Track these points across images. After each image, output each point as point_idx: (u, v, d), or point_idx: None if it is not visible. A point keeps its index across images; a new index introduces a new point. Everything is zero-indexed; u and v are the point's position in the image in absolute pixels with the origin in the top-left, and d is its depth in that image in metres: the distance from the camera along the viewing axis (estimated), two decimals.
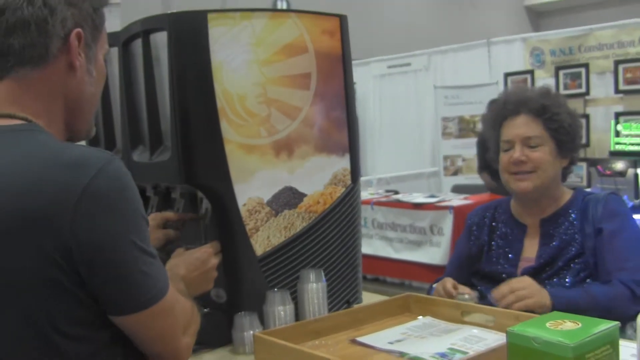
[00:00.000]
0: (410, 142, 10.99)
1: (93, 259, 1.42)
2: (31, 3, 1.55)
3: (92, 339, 1.48)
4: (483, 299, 2.60)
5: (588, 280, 2.55)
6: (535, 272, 2.60)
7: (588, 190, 2.90)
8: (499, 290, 2.38)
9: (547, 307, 2.33)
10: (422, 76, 10.89)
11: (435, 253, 7.26)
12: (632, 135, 7.38)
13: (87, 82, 1.64)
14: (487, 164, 2.93)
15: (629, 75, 8.63)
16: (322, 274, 2.36)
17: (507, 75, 9.69)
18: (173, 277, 1.74)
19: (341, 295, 2.57)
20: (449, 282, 2.55)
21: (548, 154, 2.63)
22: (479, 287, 2.72)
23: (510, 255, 2.71)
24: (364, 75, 11.50)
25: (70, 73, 1.60)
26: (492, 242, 2.79)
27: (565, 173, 2.76)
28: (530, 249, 2.69)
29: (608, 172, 6.50)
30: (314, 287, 2.29)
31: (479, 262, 2.79)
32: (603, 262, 2.53)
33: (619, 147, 7.33)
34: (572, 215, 2.66)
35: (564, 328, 1.53)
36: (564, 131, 2.65)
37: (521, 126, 2.65)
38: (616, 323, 1.55)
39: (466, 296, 2.49)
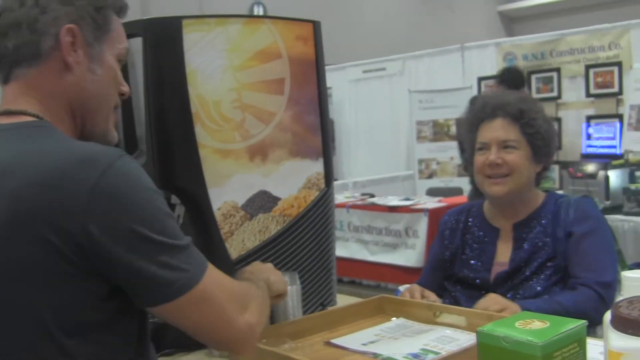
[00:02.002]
0: (385, 145, 11.01)
1: (108, 255, 1.42)
2: (23, 4, 1.56)
3: (99, 341, 1.48)
4: (457, 304, 2.59)
5: (559, 284, 2.56)
6: (508, 277, 2.60)
7: (560, 193, 2.91)
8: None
9: None
10: (397, 81, 10.92)
11: (411, 255, 7.27)
12: (602, 138, 7.44)
13: (89, 81, 1.62)
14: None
15: (599, 79, 8.71)
16: (297, 276, 2.36)
17: (480, 79, 9.74)
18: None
19: (316, 298, 2.57)
20: (417, 290, 2.54)
21: (523, 158, 2.63)
22: (452, 293, 2.72)
23: (483, 259, 2.70)
24: (339, 80, 11.51)
25: (66, 71, 1.59)
26: (465, 246, 2.78)
27: (538, 178, 2.76)
28: (503, 253, 2.69)
29: (579, 175, 6.53)
30: (289, 289, 2.30)
31: (452, 267, 2.78)
32: (573, 265, 2.55)
33: (590, 150, 7.39)
34: (544, 219, 2.66)
35: (533, 327, 1.53)
36: (540, 136, 2.65)
37: (498, 129, 2.65)
38: (583, 322, 1.56)
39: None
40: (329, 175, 2.57)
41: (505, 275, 2.60)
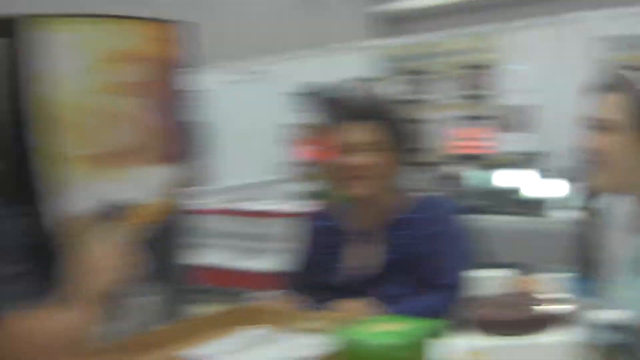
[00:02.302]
0: (259, 149, 11.03)
1: None
2: None
3: None
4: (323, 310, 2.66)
5: (422, 286, 2.66)
6: (372, 280, 2.70)
7: (425, 194, 3.03)
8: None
9: None
10: (273, 82, 10.98)
11: (277, 260, 7.33)
12: (472, 139, 7.71)
13: None
14: None
15: (472, 81, 9.01)
16: (152, 287, 2.41)
17: (355, 81, 9.85)
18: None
19: (172, 308, 2.56)
20: (280, 297, 2.59)
21: (388, 159, 2.74)
22: (317, 298, 2.79)
23: (347, 263, 2.80)
24: (217, 82, 11.47)
25: None
26: (329, 250, 2.87)
27: (403, 179, 2.88)
28: (368, 257, 2.78)
29: (447, 176, 6.76)
30: (143, 300, 2.28)
31: (317, 271, 2.85)
32: (434, 267, 2.65)
33: (458, 151, 7.64)
34: (409, 220, 2.78)
35: (392, 329, 1.60)
36: (405, 139, 2.77)
37: (360, 131, 2.73)
38: (441, 321, 1.63)
39: None
40: (190, 181, 2.59)
41: (369, 278, 2.70)
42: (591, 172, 2.10)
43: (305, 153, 8.17)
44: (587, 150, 2.10)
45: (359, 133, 2.73)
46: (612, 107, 2.08)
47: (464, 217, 2.92)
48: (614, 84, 2.12)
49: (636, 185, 2.08)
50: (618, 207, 2.22)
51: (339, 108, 2.85)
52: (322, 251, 2.87)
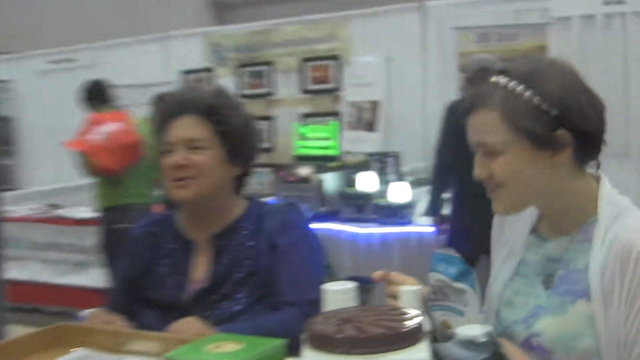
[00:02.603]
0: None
1: None
2: None
3: None
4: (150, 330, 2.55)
5: (263, 302, 2.59)
6: (205, 294, 2.60)
7: (266, 200, 2.95)
8: None
9: None
10: (89, 73, 10.73)
11: (104, 275, 7.18)
12: (317, 139, 7.69)
13: None
14: None
15: (316, 74, 9.04)
16: None
17: (184, 73, 9.79)
18: None
19: None
20: (102, 315, 2.49)
21: (214, 158, 2.62)
22: (144, 317, 2.66)
23: (176, 277, 2.67)
24: (21, 72, 11.16)
25: None
26: (156, 263, 2.73)
27: (239, 184, 2.78)
28: (200, 269, 2.67)
29: (292, 179, 6.71)
30: None
31: (142, 287, 2.74)
32: (277, 281, 2.59)
33: (304, 151, 7.60)
34: (246, 229, 2.68)
35: (226, 350, 1.56)
36: (235, 135, 2.66)
37: (184, 127, 2.63)
38: (281, 341, 1.58)
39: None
40: None
41: (201, 293, 2.60)
42: (492, 197, 2.08)
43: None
44: (479, 177, 2.05)
45: (178, 130, 2.65)
46: (484, 129, 2.01)
47: (310, 225, 2.84)
48: (480, 97, 2.03)
49: (536, 200, 2.07)
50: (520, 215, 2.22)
51: (170, 102, 2.75)
52: (149, 264, 2.77)
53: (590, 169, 2.04)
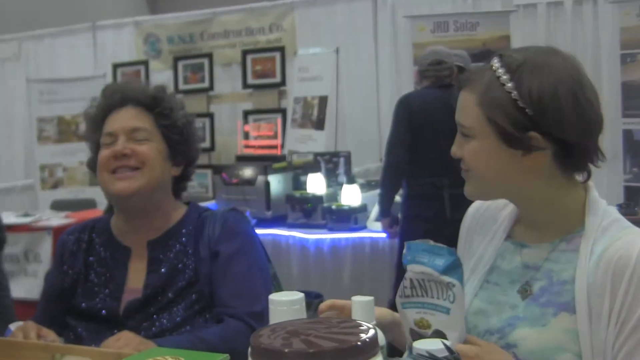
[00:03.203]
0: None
1: None
2: None
3: None
4: (81, 343, 2.52)
5: (204, 313, 2.60)
6: (141, 305, 2.58)
7: (206, 205, 2.95)
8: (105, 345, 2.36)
9: None
10: (12, 66, 10.65)
11: (33, 285, 7.09)
12: (261, 137, 7.70)
13: None
14: None
15: (258, 67, 9.04)
16: None
17: (116, 66, 9.75)
18: None
19: None
20: (31, 329, 2.47)
21: (157, 151, 2.64)
22: (75, 329, 2.66)
23: (111, 286, 2.66)
24: None
25: None
26: (89, 271, 2.72)
27: (178, 188, 2.79)
28: (136, 278, 2.66)
29: (235, 181, 6.67)
30: None
31: (74, 297, 2.72)
32: (219, 291, 2.59)
33: (247, 151, 7.59)
34: (185, 236, 2.68)
35: None
36: (177, 130, 2.67)
37: (127, 118, 2.66)
38: (224, 356, 1.59)
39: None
40: None
41: (138, 304, 2.58)
42: (464, 177, 2.10)
43: None
44: (454, 155, 2.08)
45: (120, 120, 2.65)
46: (463, 109, 2.05)
47: (253, 231, 2.84)
48: (470, 76, 2.07)
49: (504, 192, 2.08)
50: (493, 212, 2.24)
51: (111, 93, 2.75)
52: (81, 272, 2.74)
53: (578, 177, 2.04)
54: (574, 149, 1.95)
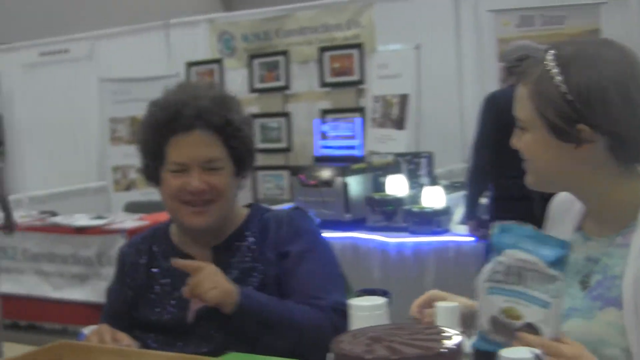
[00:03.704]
0: (69, 149, 10.84)
1: None
2: None
3: None
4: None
5: None
6: (213, 313, 2.60)
7: (267, 206, 2.96)
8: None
9: (233, 302, 2.41)
10: (84, 66, 10.78)
11: (105, 288, 7.23)
12: (340, 137, 7.69)
13: None
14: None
15: (336, 65, 9.01)
16: None
17: (189, 65, 9.78)
18: None
19: None
20: (106, 332, 2.50)
21: (229, 176, 2.65)
22: (145, 341, 2.65)
23: (176, 296, 2.66)
24: (8, 65, 11.20)
25: None
26: (153, 283, 2.75)
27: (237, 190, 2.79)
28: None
29: (312, 182, 6.69)
30: None
31: (138, 310, 2.73)
32: (293, 290, 2.60)
33: (325, 152, 7.60)
34: (250, 238, 2.70)
35: None
36: (245, 148, 2.68)
37: (199, 146, 2.62)
38: None
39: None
40: None
41: (209, 311, 2.60)
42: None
43: None
44: (514, 146, 2.15)
45: (192, 148, 2.60)
46: (519, 102, 2.10)
47: (319, 229, 2.85)
48: (526, 70, 2.12)
49: (562, 183, 2.12)
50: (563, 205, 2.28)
51: (175, 113, 2.69)
52: (145, 285, 2.75)
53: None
54: (628, 141, 1.98)
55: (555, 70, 1.98)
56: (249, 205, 2.84)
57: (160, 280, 2.73)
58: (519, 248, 1.87)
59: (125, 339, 2.49)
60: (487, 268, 1.90)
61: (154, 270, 2.76)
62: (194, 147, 2.61)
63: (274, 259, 2.65)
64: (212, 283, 2.39)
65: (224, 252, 2.70)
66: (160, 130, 2.64)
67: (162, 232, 2.83)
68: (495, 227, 1.92)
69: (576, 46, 2.03)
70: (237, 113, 2.69)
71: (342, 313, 2.34)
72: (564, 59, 1.98)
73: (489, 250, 1.98)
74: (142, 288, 2.74)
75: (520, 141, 2.09)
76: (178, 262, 2.49)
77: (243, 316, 2.43)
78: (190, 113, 2.62)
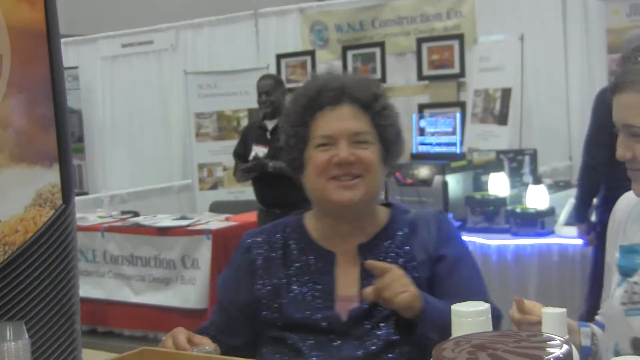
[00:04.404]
0: (153, 146, 10.96)
1: None
2: None
3: None
4: (301, 357, 2.60)
5: None
6: (366, 313, 2.61)
7: (403, 205, 2.97)
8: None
9: (418, 307, 2.44)
10: (168, 58, 10.90)
11: (190, 293, 7.29)
12: (439, 134, 7.67)
13: None
14: None
15: (435, 57, 9.01)
16: (24, 327, 2.31)
17: (280, 56, 9.85)
18: None
19: (53, 356, 2.54)
20: (181, 334, 2.52)
21: (378, 155, 2.66)
22: (287, 341, 2.67)
23: (321, 294, 2.70)
24: (89, 57, 11.38)
25: None
26: (292, 280, 2.75)
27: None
28: (348, 285, 2.70)
29: (409, 181, 6.69)
30: (12, 346, 2.24)
31: (274, 308, 2.75)
32: (449, 295, 2.60)
33: (422, 149, 7.59)
34: (398, 237, 2.72)
35: None
36: (393, 130, 2.69)
37: (346, 119, 2.65)
38: None
39: (207, 348, 2.50)
40: (68, 188, 2.54)
41: (361, 312, 2.62)
42: (633, 178, 2.16)
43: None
44: (622, 157, 2.12)
45: (339, 121, 2.65)
46: (632, 108, 2.07)
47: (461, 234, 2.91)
48: (632, 75, 2.09)
49: None
50: None
51: (320, 88, 2.74)
52: (284, 280, 2.76)
53: None
54: None
55: None
56: (388, 205, 2.84)
57: (301, 278, 2.74)
58: None
59: (204, 340, 2.52)
60: (618, 292, 1.89)
61: (294, 266, 2.76)
62: (341, 119, 2.65)
63: (426, 261, 2.67)
64: (402, 286, 2.43)
65: (371, 250, 2.71)
66: (306, 108, 2.70)
67: (295, 226, 2.84)
68: (618, 250, 1.91)
69: None
70: (385, 95, 2.72)
71: (498, 319, 2.42)
72: None
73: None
74: (280, 284, 2.74)
75: (633, 149, 2.06)
76: (370, 263, 2.50)
77: (424, 321, 2.45)
78: (335, 86, 2.67)
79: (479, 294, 2.54)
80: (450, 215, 6.12)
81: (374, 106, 2.66)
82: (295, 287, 2.72)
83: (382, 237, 2.72)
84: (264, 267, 2.78)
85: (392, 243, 2.71)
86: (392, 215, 2.78)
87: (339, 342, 2.56)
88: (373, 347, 2.55)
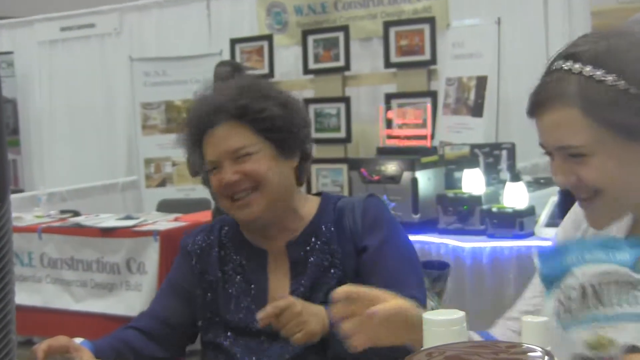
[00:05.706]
0: (95, 139, 10.93)
1: None
2: None
3: None
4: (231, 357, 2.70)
5: None
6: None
7: (337, 194, 3.05)
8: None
9: (318, 337, 2.50)
10: (112, 43, 10.87)
11: (136, 300, 7.26)
12: (407, 125, 7.67)
13: None
14: None
15: (403, 42, 9.00)
16: None
17: (234, 41, 9.83)
18: None
19: None
20: (54, 342, 2.62)
21: (266, 160, 2.77)
22: (222, 342, 2.79)
23: (254, 295, 2.81)
24: (25, 41, 11.35)
25: None
26: (227, 279, 2.87)
27: (300, 173, 2.90)
28: (279, 283, 2.81)
29: (376, 178, 6.67)
30: None
31: (212, 308, 2.85)
32: (375, 285, 2.64)
33: (390, 143, 7.58)
34: (326, 230, 2.81)
35: None
36: (277, 128, 2.79)
37: (223, 139, 2.78)
38: None
39: None
40: (2, 184, 2.52)
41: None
42: (585, 208, 2.11)
43: None
44: (564, 185, 2.08)
45: (217, 143, 2.79)
46: (565, 129, 2.04)
47: (393, 217, 2.99)
48: (550, 92, 2.07)
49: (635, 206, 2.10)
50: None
51: (199, 114, 2.84)
52: (219, 281, 2.85)
53: None
54: None
55: (599, 72, 1.95)
56: (319, 195, 2.96)
57: (233, 277, 2.87)
58: (587, 262, 1.87)
59: (84, 353, 2.76)
60: (549, 304, 1.88)
61: (228, 266, 2.89)
62: (220, 141, 2.79)
63: (351, 252, 2.79)
64: (297, 325, 2.47)
65: (299, 247, 2.83)
66: (192, 136, 2.86)
67: (230, 224, 2.97)
68: (537, 257, 1.90)
69: (598, 42, 2.03)
70: (260, 97, 2.81)
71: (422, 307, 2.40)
72: (599, 58, 1.97)
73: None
74: (217, 285, 2.87)
75: (575, 173, 2.03)
76: (263, 316, 2.53)
77: (335, 345, 2.48)
78: (209, 109, 2.82)
79: (406, 286, 2.64)
80: (384, 198, 6.07)
81: (248, 114, 2.78)
82: (230, 287, 2.87)
83: (308, 232, 2.84)
84: (202, 263, 2.92)
85: (318, 237, 2.82)
86: (320, 207, 2.89)
87: (268, 344, 2.68)
88: (297, 349, 2.63)
